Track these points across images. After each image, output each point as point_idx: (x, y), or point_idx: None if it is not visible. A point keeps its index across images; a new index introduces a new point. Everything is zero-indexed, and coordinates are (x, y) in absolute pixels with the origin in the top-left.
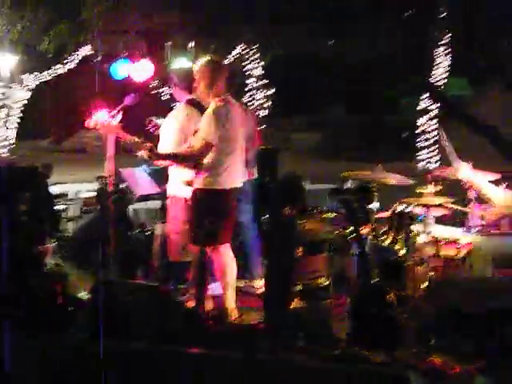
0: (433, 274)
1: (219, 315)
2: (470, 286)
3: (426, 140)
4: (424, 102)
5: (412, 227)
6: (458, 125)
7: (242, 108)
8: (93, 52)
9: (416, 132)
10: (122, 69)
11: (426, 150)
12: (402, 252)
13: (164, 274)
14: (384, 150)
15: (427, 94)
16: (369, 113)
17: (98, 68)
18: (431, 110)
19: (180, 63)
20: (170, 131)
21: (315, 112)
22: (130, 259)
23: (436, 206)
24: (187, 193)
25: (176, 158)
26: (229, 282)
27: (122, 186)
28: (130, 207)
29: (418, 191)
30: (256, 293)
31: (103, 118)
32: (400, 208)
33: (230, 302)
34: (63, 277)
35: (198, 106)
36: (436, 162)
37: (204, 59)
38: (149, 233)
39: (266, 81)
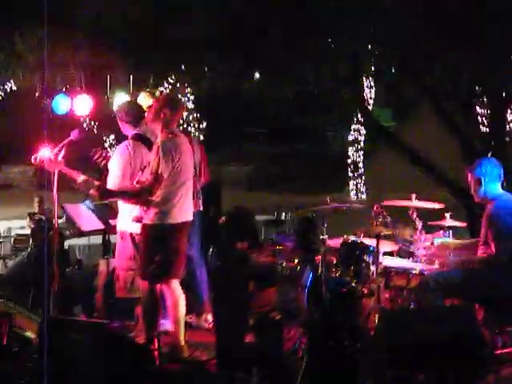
0: (384, 304)
1: (172, 352)
2: (421, 316)
3: (355, 170)
4: (353, 134)
5: (363, 258)
6: (386, 154)
7: (191, 140)
8: (16, 88)
9: (347, 162)
10: (63, 104)
11: (354, 181)
12: (354, 283)
13: (109, 310)
14: (314, 181)
15: (357, 126)
16: (296, 145)
17: (43, 104)
18: (359, 141)
19: (119, 97)
20: (117, 166)
21: (244, 145)
22: (68, 296)
23: (385, 237)
24: (135, 229)
25: (126, 195)
26: (180, 317)
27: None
28: (71, 243)
29: (370, 222)
30: (207, 327)
31: (47, 154)
32: (350, 239)
33: (182, 338)
34: (8, 315)
35: (145, 141)
36: (364, 191)
37: (164, 93)
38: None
39: (197, 114)
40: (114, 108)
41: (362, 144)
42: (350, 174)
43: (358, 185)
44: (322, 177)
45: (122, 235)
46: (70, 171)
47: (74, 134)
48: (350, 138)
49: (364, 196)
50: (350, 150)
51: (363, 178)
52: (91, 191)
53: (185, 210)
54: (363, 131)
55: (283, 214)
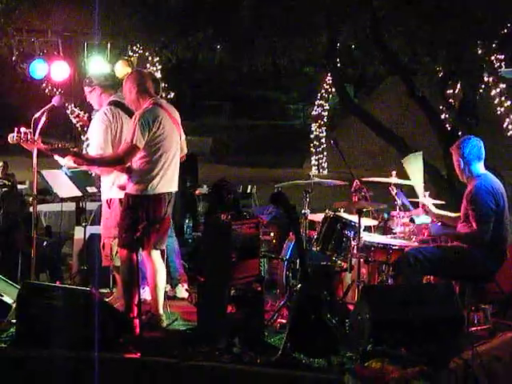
0: (364, 279)
1: (151, 321)
2: (401, 292)
3: (319, 146)
4: (316, 109)
5: (344, 232)
6: (351, 131)
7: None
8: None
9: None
10: (40, 69)
11: (316, 156)
12: (334, 257)
13: (83, 278)
14: (275, 155)
15: (321, 101)
16: (260, 119)
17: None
18: (323, 116)
19: (96, 64)
20: (97, 133)
21: (205, 117)
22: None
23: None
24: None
25: (99, 162)
26: (160, 287)
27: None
28: (44, 210)
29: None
30: (182, 297)
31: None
32: (332, 213)
33: (160, 307)
34: None
35: (124, 107)
36: (326, 167)
37: (129, 70)
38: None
39: (164, 84)
40: (85, 83)
41: (325, 119)
42: (313, 150)
43: (320, 160)
44: (282, 151)
45: (109, 203)
46: (46, 147)
47: (55, 100)
48: (314, 113)
49: (325, 172)
50: (314, 126)
51: (325, 153)
52: (68, 157)
53: (167, 180)
54: (326, 106)
55: (248, 187)
